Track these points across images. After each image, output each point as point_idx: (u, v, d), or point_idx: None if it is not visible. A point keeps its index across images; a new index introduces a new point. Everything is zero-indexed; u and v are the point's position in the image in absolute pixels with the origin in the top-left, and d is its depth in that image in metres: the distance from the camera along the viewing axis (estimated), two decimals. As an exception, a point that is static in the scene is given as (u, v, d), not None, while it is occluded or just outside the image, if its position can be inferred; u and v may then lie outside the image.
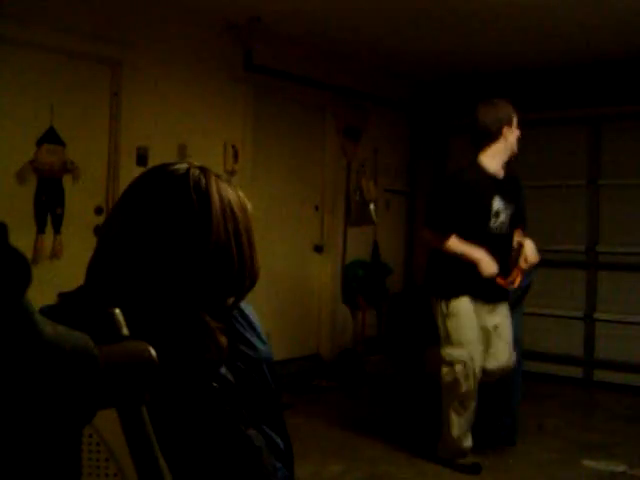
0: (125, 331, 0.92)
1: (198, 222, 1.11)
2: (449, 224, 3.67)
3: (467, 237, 3.65)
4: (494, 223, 3.69)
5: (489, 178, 3.73)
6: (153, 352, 0.90)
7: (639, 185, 5.88)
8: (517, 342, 4.34)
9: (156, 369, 0.90)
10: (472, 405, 3.72)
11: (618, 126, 6.01)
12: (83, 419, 0.84)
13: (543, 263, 6.76)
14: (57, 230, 4.30)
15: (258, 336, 1.25)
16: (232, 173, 5.27)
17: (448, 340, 3.76)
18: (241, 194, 1.24)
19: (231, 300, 1.19)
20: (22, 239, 3.88)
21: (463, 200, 3.66)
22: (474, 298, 3.70)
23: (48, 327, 0.76)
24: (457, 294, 3.70)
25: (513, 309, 4.36)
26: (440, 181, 3.77)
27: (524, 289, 4.22)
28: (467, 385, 3.66)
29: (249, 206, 1.24)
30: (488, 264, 3.60)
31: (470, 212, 3.66)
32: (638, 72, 5.82)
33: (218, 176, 1.22)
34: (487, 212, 3.66)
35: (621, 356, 5.81)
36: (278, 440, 1.24)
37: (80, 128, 4.41)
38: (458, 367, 3.67)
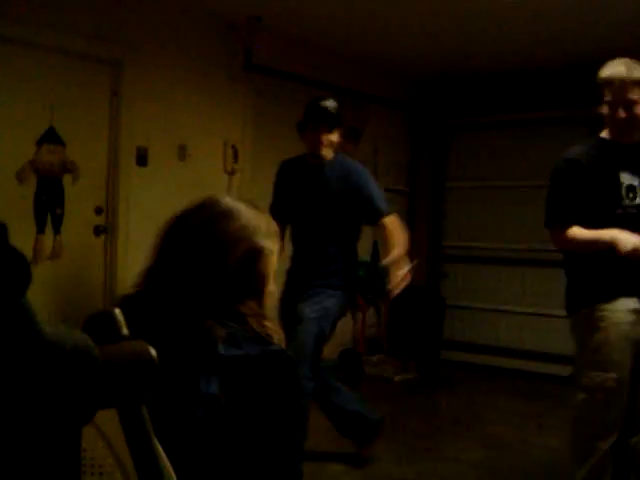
0: (125, 331, 0.92)
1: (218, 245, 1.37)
2: (568, 214, 2.84)
3: (594, 224, 2.79)
4: (631, 201, 2.81)
5: (612, 145, 2.89)
6: (153, 352, 0.90)
7: None
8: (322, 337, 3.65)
9: (156, 369, 0.90)
10: (604, 446, 2.77)
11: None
12: (83, 419, 0.84)
13: (543, 263, 6.75)
14: (57, 230, 4.30)
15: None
16: (232, 173, 5.27)
17: (592, 361, 2.82)
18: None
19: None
20: (22, 239, 3.88)
21: (581, 177, 2.82)
22: (631, 299, 2.78)
23: (48, 327, 0.76)
24: (606, 297, 2.78)
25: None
26: (554, 168, 2.93)
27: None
28: (605, 418, 2.79)
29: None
30: (625, 239, 2.66)
31: (593, 190, 2.81)
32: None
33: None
34: (616, 187, 2.81)
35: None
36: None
37: (80, 128, 4.41)
38: (599, 396, 2.77)
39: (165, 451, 0.93)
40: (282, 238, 3.55)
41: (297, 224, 3.79)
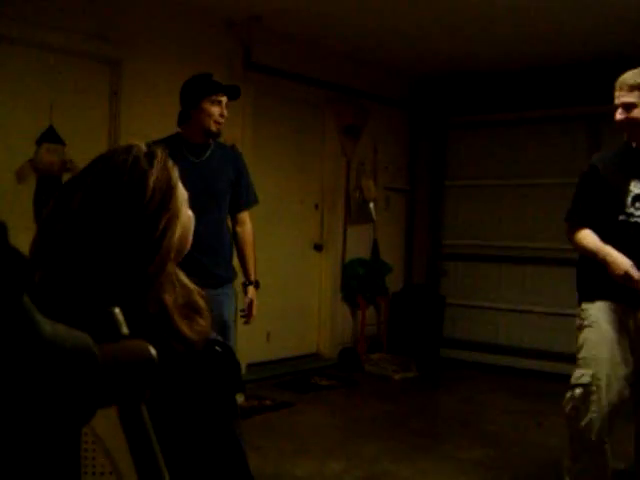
0: (125, 330, 0.92)
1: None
2: (580, 216, 2.97)
3: (600, 230, 2.90)
4: (636, 210, 2.84)
5: (633, 152, 2.92)
6: (153, 351, 0.91)
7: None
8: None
9: (156, 367, 0.90)
10: (598, 451, 2.87)
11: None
12: (83, 419, 0.85)
13: (542, 261, 6.73)
14: (57, 229, 4.31)
15: None
16: (232, 172, 5.27)
17: (577, 358, 2.95)
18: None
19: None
20: (22, 239, 3.88)
21: (595, 183, 2.94)
22: (616, 302, 2.86)
23: (48, 326, 0.76)
24: (592, 296, 2.92)
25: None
26: (581, 171, 3.09)
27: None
28: (588, 418, 2.83)
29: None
30: (618, 262, 2.74)
31: (601, 194, 2.92)
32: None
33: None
34: (623, 194, 2.86)
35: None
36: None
37: (80, 128, 4.41)
38: (577, 391, 2.86)
39: None
40: None
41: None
